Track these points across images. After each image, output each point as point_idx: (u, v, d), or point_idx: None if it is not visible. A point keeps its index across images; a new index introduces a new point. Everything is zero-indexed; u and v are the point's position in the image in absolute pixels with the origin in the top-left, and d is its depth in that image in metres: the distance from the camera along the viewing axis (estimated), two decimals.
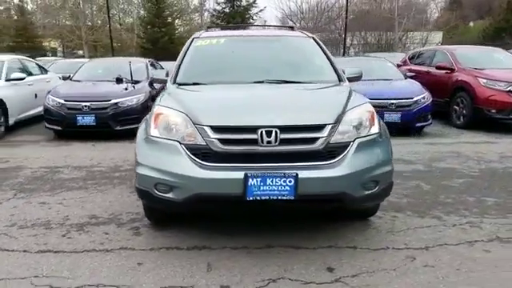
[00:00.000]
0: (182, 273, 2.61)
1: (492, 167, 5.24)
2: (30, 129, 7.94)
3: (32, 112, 8.04)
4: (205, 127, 2.67)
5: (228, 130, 2.66)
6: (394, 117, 7.23)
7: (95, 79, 7.92)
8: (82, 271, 2.64)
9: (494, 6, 36.25)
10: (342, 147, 2.71)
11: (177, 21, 32.00)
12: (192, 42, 4.12)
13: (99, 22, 32.14)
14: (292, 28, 4.82)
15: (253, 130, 2.62)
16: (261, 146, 2.61)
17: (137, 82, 7.46)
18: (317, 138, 2.66)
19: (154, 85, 6.96)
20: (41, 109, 7.43)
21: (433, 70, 9.34)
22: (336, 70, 3.81)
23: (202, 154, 2.65)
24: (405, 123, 7.28)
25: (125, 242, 3.07)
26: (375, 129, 2.90)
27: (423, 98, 7.47)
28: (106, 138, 6.84)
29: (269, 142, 2.60)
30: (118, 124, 6.89)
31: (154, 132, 2.84)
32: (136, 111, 6.85)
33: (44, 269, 2.67)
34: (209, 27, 4.96)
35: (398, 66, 11.24)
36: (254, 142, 2.61)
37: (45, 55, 24.28)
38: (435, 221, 3.46)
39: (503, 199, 4.00)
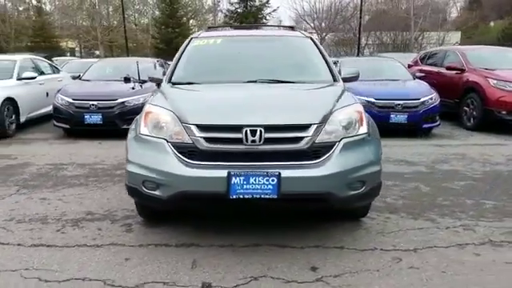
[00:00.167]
0: (167, 269, 2.66)
1: (497, 170, 5.15)
2: (40, 127, 8.13)
3: (43, 110, 8.22)
4: (191, 126, 2.71)
5: (213, 129, 2.69)
6: (401, 118, 7.16)
7: (104, 79, 8.07)
8: (70, 265, 2.70)
9: None
10: (327, 147, 2.71)
11: (191, 21, 32.26)
12: (190, 42, 4.17)
13: (115, 22, 32.63)
14: (292, 28, 4.82)
15: (237, 128, 2.65)
16: (245, 144, 2.63)
17: (144, 81, 7.55)
18: (301, 138, 2.67)
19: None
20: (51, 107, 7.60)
21: (443, 70, 9.21)
22: (331, 71, 3.81)
23: (188, 152, 2.69)
24: (411, 124, 7.20)
25: (116, 237, 3.13)
26: (363, 129, 2.89)
27: (431, 98, 7.37)
28: (113, 136, 6.93)
29: (253, 141, 2.63)
30: (124, 123, 6.96)
31: (143, 130, 2.90)
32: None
33: (35, 262, 2.75)
34: (209, 27, 5.00)
35: (409, 66, 11.14)
36: (238, 140, 2.64)
37: (61, 55, 24.79)
38: (428, 223, 3.42)
39: (503, 202, 3.93)
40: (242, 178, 2.55)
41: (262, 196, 2.57)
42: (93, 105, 6.95)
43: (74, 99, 7.08)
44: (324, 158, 2.68)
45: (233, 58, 3.95)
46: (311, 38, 4.28)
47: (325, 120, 2.76)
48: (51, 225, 3.38)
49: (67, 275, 2.57)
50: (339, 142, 2.74)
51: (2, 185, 4.48)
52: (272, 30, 5.35)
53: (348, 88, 7.37)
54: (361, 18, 25.65)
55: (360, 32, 25.93)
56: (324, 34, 34.03)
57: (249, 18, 23.82)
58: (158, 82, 3.80)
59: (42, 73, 8.62)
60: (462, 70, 8.52)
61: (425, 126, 7.32)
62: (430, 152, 6.13)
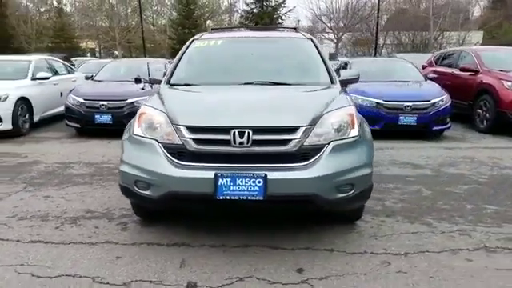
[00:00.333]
0: (156, 268, 2.71)
1: (504, 174, 5.04)
2: (54, 126, 8.33)
3: (57, 110, 8.43)
4: (181, 127, 2.75)
5: (202, 130, 2.73)
6: (410, 119, 7.07)
7: (116, 79, 8.22)
8: (64, 262, 2.78)
9: None
10: (316, 149, 2.72)
11: (208, 22, 32.50)
12: (191, 43, 4.23)
13: (133, 23, 33.15)
14: (295, 29, 4.82)
15: (226, 130, 2.68)
16: (233, 146, 2.66)
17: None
18: (289, 140, 2.68)
19: None
20: None
21: (457, 71, 9.05)
22: (329, 73, 3.80)
23: (178, 153, 2.73)
24: (421, 126, 7.11)
25: (111, 236, 3.20)
26: (354, 132, 2.88)
27: (441, 100, 7.25)
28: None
29: (241, 143, 2.65)
30: None
31: (136, 131, 2.96)
32: None
33: (30, 258, 2.84)
34: (213, 29, 5.04)
35: (424, 67, 10.98)
36: (227, 142, 2.67)
37: (80, 55, 25.33)
38: (424, 227, 3.38)
39: (505, 207, 3.85)
40: (228, 180, 2.58)
41: (249, 197, 2.59)
42: (103, 105, 7.10)
43: (85, 99, 7.24)
44: (312, 160, 2.69)
45: (232, 59, 3.99)
46: (312, 40, 4.27)
47: (314, 123, 2.77)
48: (51, 222, 3.47)
49: (59, 271, 2.65)
50: (328, 144, 2.74)
51: (9, 182, 4.62)
52: (275, 31, 5.33)
53: (356, 89, 7.48)
54: (378, 17, 25.40)
55: (377, 32, 25.66)
56: (341, 33, 33.78)
57: (264, 18, 23.82)
58: (159, 83, 3.86)
59: (56, 73, 8.84)
60: (476, 72, 8.36)
61: (435, 128, 7.20)
62: (438, 155, 6.03)
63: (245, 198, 2.59)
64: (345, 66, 9.12)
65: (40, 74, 7.90)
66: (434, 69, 10.35)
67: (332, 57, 29.51)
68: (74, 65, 16.51)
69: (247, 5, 25.22)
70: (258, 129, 2.68)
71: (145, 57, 20.36)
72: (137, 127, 2.97)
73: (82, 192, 4.28)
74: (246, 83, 3.55)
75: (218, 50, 4.09)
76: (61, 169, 5.21)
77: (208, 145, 2.70)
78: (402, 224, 3.45)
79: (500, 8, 38.03)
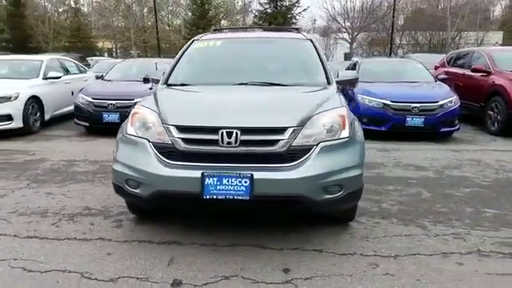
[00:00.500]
0: (144, 265, 2.75)
1: (510, 177, 4.93)
2: (65, 124, 8.49)
3: (68, 109, 8.58)
4: (170, 127, 2.79)
5: (191, 130, 2.76)
6: (417, 121, 6.97)
7: (125, 79, 8.33)
8: (56, 257, 2.85)
9: None
10: (304, 150, 2.71)
11: (223, 22, 32.64)
12: (191, 44, 4.27)
13: (149, 23, 33.55)
14: (298, 30, 4.81)
15: (214, 130, 2.70)
16: (221, 146, 2.68)
17: None
18: (277, 141, 2.69)
19: None
20: None
21: (469, 72, 8.89)
22: (326, 73, 3.78)
23: (168, 152, 2.76)
24: (429, 128, 7.00)
25: (105, 232, 3.26)
26: (345, 133, 2.86)
27: (450, 101, 7.14)
28: None
29: (229, 143, 2.67)
30: None
31: (129, 130, 3.01)
32: None
33: (25, 253, 2.92)
34: (215, 29, 5.07)
35: (436, 67, 10.82)
36: (215, 142, 2.69)
37: (96, 55, 25.76)
38: (418, 230, 3.34)
39: (505, 211, 3.77)
40: (215, 179, 2.60)
41: (235, 197, 2.61)
42: (111, 104, 7.22)
43: (93, 98, 7.37)
44: (300, 161, 2.69)
45: (229, 60, 4.01)
46: (311, 40, 4.26)
47: (303, 123, 2.77)
48: (49, 218, 3.55)
49: (50, 266, 2.72)
50: (317, 145, 2.74)
51: (15, 179, 4.74)
52: (275, 32, 5.34)
53: (364, 90, 7.43)
54: (394, 17, 25.11)
55: (393, 31, 25.37)
56: (355, 33, 33.51)
57: (278, 18, 23.83)
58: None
59: (67, 72, 9.01)
60: (488, 73, 8.19)
61: (443, 129, 7.09)
62: (444, 157, 5.94)
63: (231, 197, 2.61)
64: (354, 66, 9.06)
65: (51, 74, 8.07)
66: (446, 69, 10.20)
67: (347, 57, 29.32)
68: (88, 64, 16.87)
69: (261, 5, 25.27)
70: (246, 129, 2.69)
71: (159, 57, 20.58)
72: (130, 126, 3.03)
73: (83, 189, 4.36)
74: (240, 84, 3.57)
75: (217, 51, 4.12)
76: (66, 166, 5.31)
77: (196, 144, 2.72)
78: (396, 226, 3.41)
79: None
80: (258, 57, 4.01)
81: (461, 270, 2.70)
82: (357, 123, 3.22)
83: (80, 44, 30.84)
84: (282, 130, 2.71)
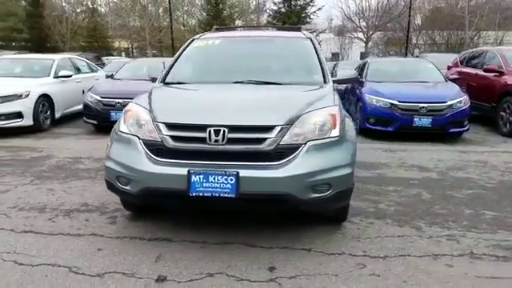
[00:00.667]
0: (132, 261, 2.78)
1: None
2: (75, 122, 8.64)
3: (78, 107, 8.68)
4: (160, 124, 2.82)
5: (179, 128, 2.78)
6: (425, 121, 6.86)
7: (134, 78, 8.42)
8: (47, 252, 2.91)
9: None
10: (292, 149, 2.71)
11: (237, 21, 32.72)
12: (191, 42, 4.30)
13: (165, 23, 33.88)
14: (299, 29, 4.79)
15: (202, 128, 2.72)
16: (208, 144, 2.69)
17: None
18: (264, 139, 2.68)
19: None
20: None
21: (481, 72, 8.71)
22: (323, 72, 3.76)
23: (157, 149, 2.79)
24: (437, 128, 6.89)
25: (98, 228, 3.31)
26: (335, 132, 2.84)
27: (459, 102, 7.00)
28: None
29: (216, 141, 2.68)
30: None
31: (122, 127, 3.05)
32: None
33: (18, 247, 2.99)
34: (217, 28, 5.09)
35: (449, 67, 10.63)
36: (202, 140, 2.71)
37: (111, 54, 26.14)
38: (412, 231, 3.30)
39: (505, 214, 3.69)
40: (201, 177, 2.62)
41: (221, 195, 2.62)
42: (118, 103, 7.30)
43: (101, 97, 7.49)
44: (287, 159, 2.68)
45: (227, 58, 4.03)
46: (310, 39, 4.24)
47: (292, 122, 2.76)
48: (46, 214, 3.63)
49: (40, 260, 2.77)
50: (305, 144, 2.72)
51: (20, 175, 4.86)
52: (276, 31, 5.33)
53: (371, 89, 7.34)
54: (410, 16, 24.78)
55: (409, 31, 25.03)
56: (370, 32, 33.16)
57: (292, 17, 23.76)
58: None
59: (79, 71, 9.16)
60: (501, 73, 8.01)
61: (451, 130, 6.96)
62: (450, 158, 5.84)
63: (217, 195, 2.62)
64: (362, 67, 8.96)
65: (62, 72, 8.23)
66: (459, 69, 10.01)
67: (363, 56, 29.06)
68: (103, 64, 17.13)
69: (275, 4, 25.25)
70: (234, 127, 2.70)
71: (173, 56, 20.77)
72: (122, 124, 3.07)
73: (83, 186, 4.44)
74: (236, 82, 3.58)
75: (215, 50, 4.14)
76: (70, 163, 5.41)
77: (184, 142, 2.74)
78: (389, 227, 3.37)
79: None
80: (256, 55, 4.01)
81: (450, 272, 2.65)
82: (349, 122, 3.19)
83: (96, 44, 31.44)
84: (269, 129, 2.71)
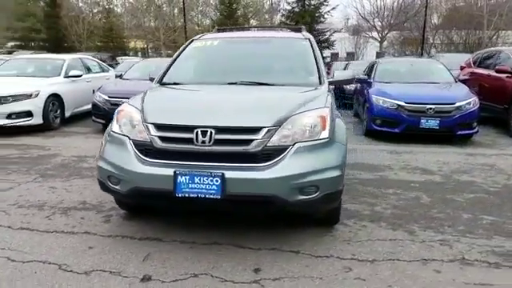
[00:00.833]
0: (120, 260, 2.82)
1: None
2: (84, 122, 8.79)
3: (88, 106, 8.78)
4: (149, 125, 2.85)
5: (167, 128, 2.80)
6: (432, 123, 6.73)
7: (142, 78, 8.50)
8: (40, 249, 2.97)
9: None
10: (280, 150, 2.70)
11: (251, 21, 32.76)
12: (190, 43, 4.33)
13: (179, 23, 34.16)
14: (300, 29, 4.78)
15: (189, 129, 2.73)
16: (196, 145, 2.71)
17: None
18: (251, 140, 2.68)
19: None
20: None
21: (493, 73, 8.52)
22: (319, 73, 3.74)
23: (146, 150, 2.82)
24: (444, 130, 6.77)
25: (92, 227, 3.36)
26: (324, 134, 2.82)
27: (468, 103, 6.86)
28: None
29: (203, 142, 2.70)
30: None
31: (114, 127, 3.09)
32: None
33: (13, 243, 3.06)
34: (218, 29, 5.11)
35: (462, 68, 10.44)
36: (190, 141, 2.72)
37: (127, 54, 26.48)
38: (405, 235, 3.25)
39: (504, 219, 3.61)
40: (187, 177, 2.63)
41: (207, 196, 2.63)
42: None
43: (109, 97, 7.60)
44: (274, 161, 2.67)
45: (223, 59, 4.05)
46: (309, 40, 4.22)
47: (280, 123, 2.75)
48: (44, 211, 3.70)
49: (32, 257, 2.84)
50: (292, 146, 2.72)
51: (25, 173, 4.97)
52: (276, 31, 5.32)
53: (378, 90, 7.26)
54: (426, 15, 24.40)
55: (424, 30, 24.66)
56: (385, 32, 32.77)
57: (305, 17, 23.67)
58: None
59: (89, 71, 9.32)
60: None
61: (460, 132, 6.83)
62: (456, 161, 5.74)
63: (203, 196, 2.64)
64: (371, 67, 8.87)
65: (72, 72, 8.38)
66: (471, 70, 9.83)
67: (379, 56, 28.74)
68: (117, 63, 17.37)
69: (289, 4, 25.19)
70: (221, 128, 2.71)
71: None
72: (115, 124, 3.11)
73: (84, 184, 4.52)
74: (230, 83, 3.59)
75: (212, 51, 4.17)
76: (75, 162, 5.51)
77: (172, 143, 2.76)
78: (382, 230, 3.34)
79: None
80: (252, 56, 4.02)
81: (437, 278, 2.61)
82: (340, 124, 3.16)
83: (112, 44, 31.93)
84: (256, 130, 2.71)
